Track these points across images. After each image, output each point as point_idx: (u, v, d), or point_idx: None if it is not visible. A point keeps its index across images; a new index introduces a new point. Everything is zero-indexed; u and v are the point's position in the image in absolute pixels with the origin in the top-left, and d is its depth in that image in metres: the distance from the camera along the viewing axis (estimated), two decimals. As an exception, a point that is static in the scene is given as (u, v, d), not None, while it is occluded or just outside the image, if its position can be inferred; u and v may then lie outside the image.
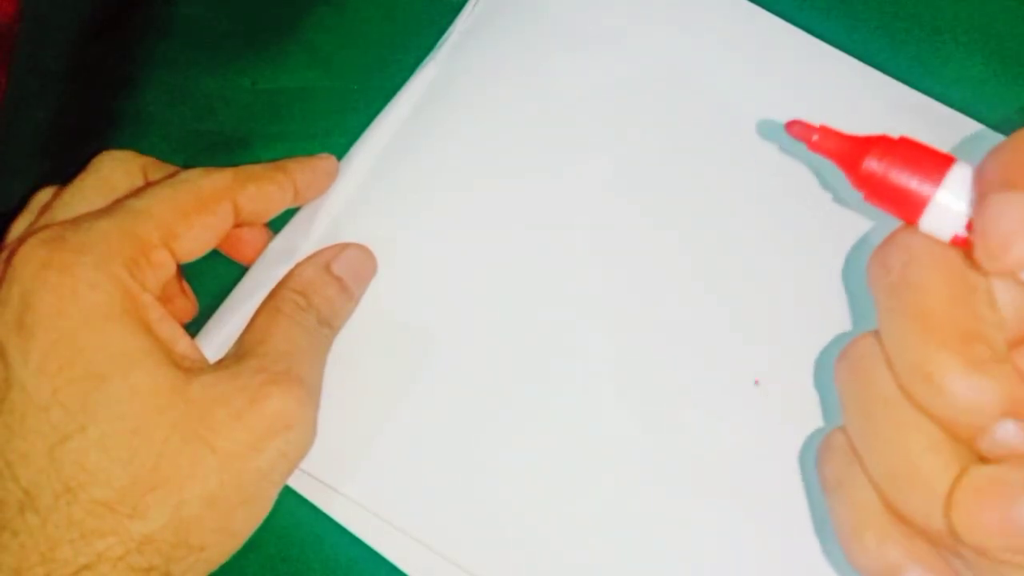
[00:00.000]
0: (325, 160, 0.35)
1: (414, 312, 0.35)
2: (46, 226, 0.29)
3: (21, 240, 0.28)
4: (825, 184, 0.37)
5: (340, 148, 0.37)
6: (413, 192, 0.36)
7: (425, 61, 0.38)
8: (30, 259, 0.28)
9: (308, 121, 0.39)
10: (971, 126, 0.37)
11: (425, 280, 0.35)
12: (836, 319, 0.34)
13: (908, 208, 0.24)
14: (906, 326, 0.23)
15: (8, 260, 0.28)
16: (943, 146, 0.37)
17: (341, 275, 0.33)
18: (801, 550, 0.32)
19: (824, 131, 0.25)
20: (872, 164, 0.24)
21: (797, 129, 0.26)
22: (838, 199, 0.36)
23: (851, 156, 0.25)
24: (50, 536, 0.26)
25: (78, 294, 0.27)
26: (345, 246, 0.34)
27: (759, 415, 0.33)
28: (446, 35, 0.39)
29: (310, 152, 0.35)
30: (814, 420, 0.33)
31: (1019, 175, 0.22)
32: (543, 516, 0.32)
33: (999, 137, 0.37)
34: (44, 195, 0.32)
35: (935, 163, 0.24)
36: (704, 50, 0.38)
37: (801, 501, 0.32)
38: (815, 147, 0.25)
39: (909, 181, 0.24)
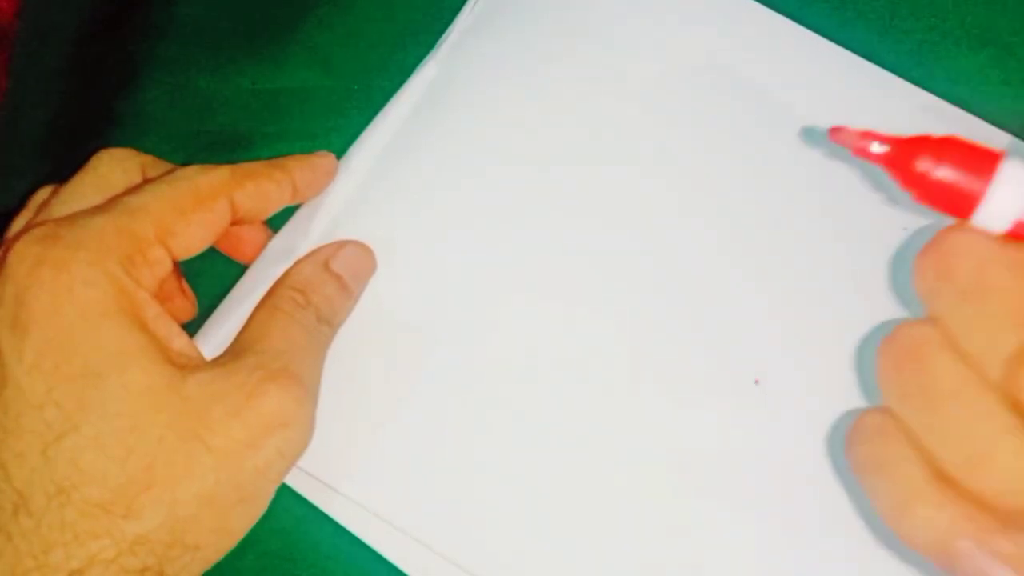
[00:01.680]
0: (324, 158, 0.35)
1: (414, 311, 0.35)
2: (41, 223, 0.29)
3: (16, 237, 0.28)
4: (829, 184, 0.36)
5: (340, 148, 0.37)
6: (412, 192, 0.36)
7: (425, 61, 0.38)
8: (24, 256, 0.28)
9: (308, 121, 0.39)
10: (978, 125, 0.37)
11: (425, 279, 0.35)
12: (837, 319, 0.34)
13: (962, 204, 0.24)
14: (999, 324, 0.24)
15: (3, 257, 0.28)
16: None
17: (340, 273, 0.33)
18: (801, 549, 0.32)
19: (868, 135, 0.26)
20: (924, 164, 0.25)
21: (841, 136, 0.26)
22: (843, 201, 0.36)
23: (899, 158, 0.25)
24: (44, 538, 0.26)
25: (73, 291, 0.27)
26: (344, 244, 0.34)
27: (759, 415, 0.33)
28: (446, 35, 0.39)
29: (310, 152, 0.35)
30: (814, 420, 0.33)
31: None
32: (542, 516, 0.32)
33: (1008, 137, 0.37)
34: (43, 194, 0.32)
35: (985, 159, 0.24)
36: (705, 48, 0.38)
37: (801, 500, 0.32)
38: (860, 152, 0.26)
39: (961, 178, 0.24)
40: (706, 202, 0.36)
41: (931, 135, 0.25)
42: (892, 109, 0.37)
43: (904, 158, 0.25)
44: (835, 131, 0.26)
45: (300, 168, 0.34)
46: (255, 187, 0.32)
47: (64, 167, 0.33)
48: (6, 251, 0.28)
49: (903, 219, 0.36)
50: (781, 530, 0.32)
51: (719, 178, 0.36)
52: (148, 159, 0.33)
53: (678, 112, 0.37)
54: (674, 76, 0.38)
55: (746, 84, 0.38)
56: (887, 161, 0.25)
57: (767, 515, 0.32)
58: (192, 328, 0.33)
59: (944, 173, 0.25)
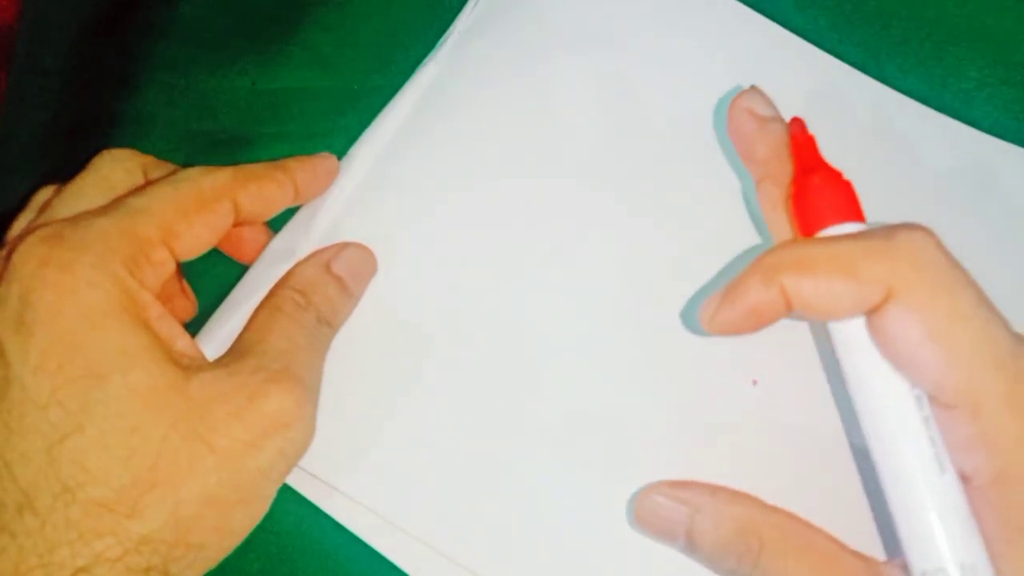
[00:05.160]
0: (325, 159, 0.35)
1: (414, 311, 0.35)
2: (45, 224, 0.29)
3: (20, 238, 0.28)
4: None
5: (340, 148, 0.37)
6: (413, 192, 0.36)
7: (425, 61, 0.38)
8: (29, 257, 0.28)
9: (308, 121, 0.39)
10: (968, 133, 0.37)
11: (425, 279, 0.35)
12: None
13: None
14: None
15: (7, 257, 0.28)
16: (942, 153, 0.37)
17: (341, 274, 0.33)
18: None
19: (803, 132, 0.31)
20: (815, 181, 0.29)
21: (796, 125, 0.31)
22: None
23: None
24: (48, 538, 0.26)
25: (77, 292, 0.27)
26: (345, 245, 0.34)
27: (758, 415, 0.33)
28: (446, 35, 0.39)
29: (310, 152, 0.35)
30: (813, 420, 0.33)
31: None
32: (542, 514, 0.32)
33: (1000, 143, 0.37)
34: (44, 194, 0.32)
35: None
36: (702, 52, 0.39)
37: (799, 501, 0.32)
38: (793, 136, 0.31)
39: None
40: (708, 200, 0.36)
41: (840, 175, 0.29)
42: (882, 118, 0.38)
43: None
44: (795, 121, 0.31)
45: (301, 169, 0.34)
46: (257, 189, 0.32)
47: (64, 167, 0.33)
48: (10, 251, 0.28)
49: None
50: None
51: (720, 178, 0.37)
52: (149, 160, 0.33)
53: (678, 113, 0.37)
54: (672, 78, 0.38)
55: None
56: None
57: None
58: (193, 328, 0.33)
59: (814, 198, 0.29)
